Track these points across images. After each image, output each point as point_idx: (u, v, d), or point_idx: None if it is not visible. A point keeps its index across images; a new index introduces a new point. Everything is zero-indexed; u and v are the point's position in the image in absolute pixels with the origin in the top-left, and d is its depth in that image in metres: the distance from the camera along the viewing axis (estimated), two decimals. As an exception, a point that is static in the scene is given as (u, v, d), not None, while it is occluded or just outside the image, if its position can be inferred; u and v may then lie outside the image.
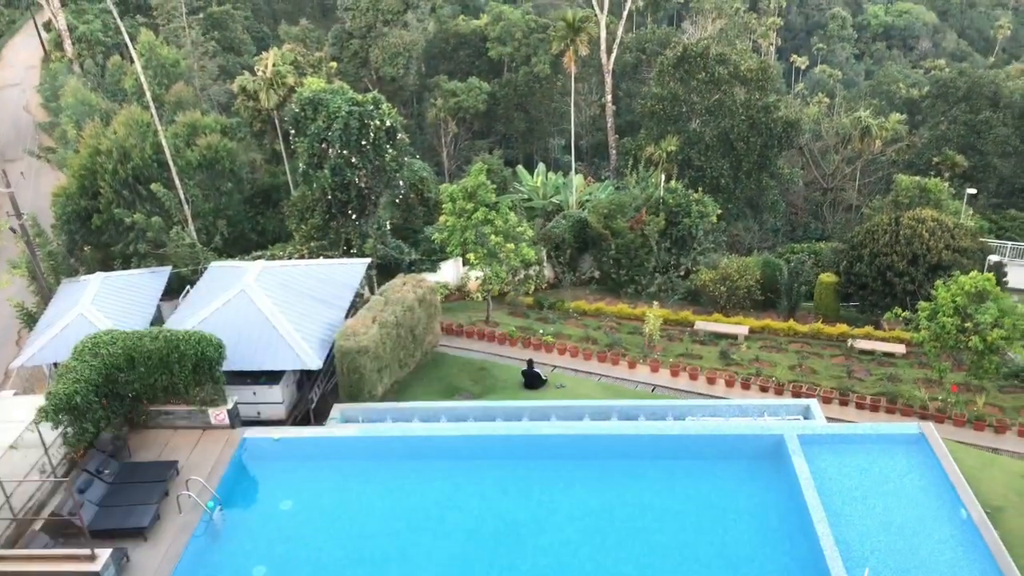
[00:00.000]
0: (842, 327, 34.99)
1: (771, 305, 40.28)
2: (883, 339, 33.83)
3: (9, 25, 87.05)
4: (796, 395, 27.82)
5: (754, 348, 33.08)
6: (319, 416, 25.80)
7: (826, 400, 27.60)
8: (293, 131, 36.99)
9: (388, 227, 39.68)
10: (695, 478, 20.71)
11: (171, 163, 39.08)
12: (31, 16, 77.22)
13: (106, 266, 37.37)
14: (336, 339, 24.67)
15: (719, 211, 46.69)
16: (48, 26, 76.87)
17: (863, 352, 32.87)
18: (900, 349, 32.63)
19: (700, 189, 49.01)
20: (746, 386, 28.91)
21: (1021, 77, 74.65)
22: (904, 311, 30.48)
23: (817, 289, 39.63)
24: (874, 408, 27.35)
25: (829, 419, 24.37)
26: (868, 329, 34.63)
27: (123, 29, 44.29)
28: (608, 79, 67.17)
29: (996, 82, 68.42)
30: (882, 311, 36.61)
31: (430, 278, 34.28)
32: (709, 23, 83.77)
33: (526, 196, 53.71)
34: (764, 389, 28.70)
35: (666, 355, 31.99)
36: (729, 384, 29.07)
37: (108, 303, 28.06)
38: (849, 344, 33.59)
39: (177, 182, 39.50)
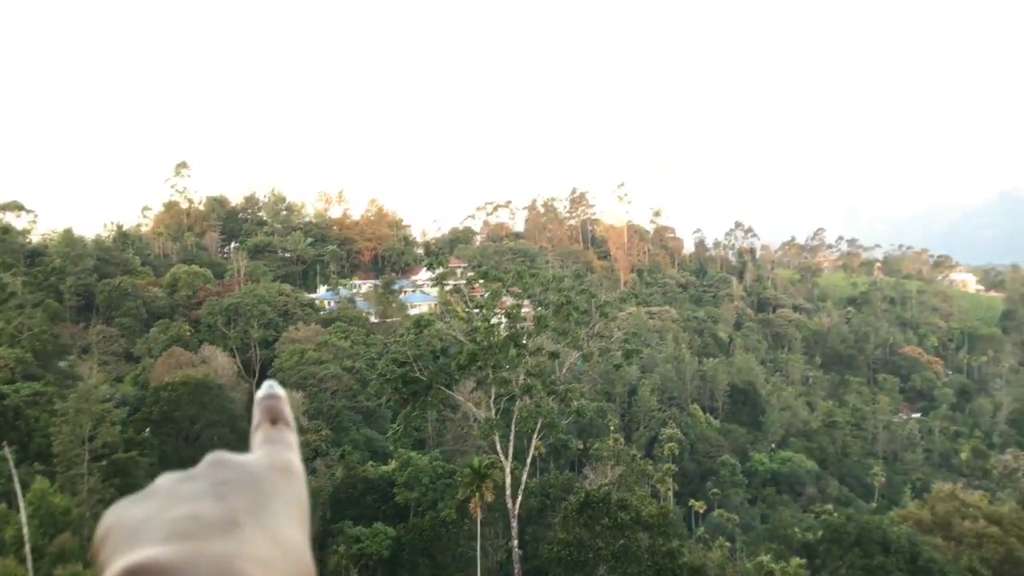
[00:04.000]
0: None
1: None
2: None
3: None
4: None
5: None
6: None
7: None
8: None
9: None
10: None
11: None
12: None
13: None
14: None
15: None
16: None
17: None
18: None
19: (613, 642, 46.81)
20: None
21: (903, 523, 78.51)
22: None
23: None
24: None
25: None
26: None
27: (16, 478, 43.34)
28: (514, 524, 67.31)
29: (883, 528, 71.63)
30: None
31: None
32: (608, 469, 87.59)
33: (430, 653, 49.91)
34: None
35: None
36: None
37: None
38: None
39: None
